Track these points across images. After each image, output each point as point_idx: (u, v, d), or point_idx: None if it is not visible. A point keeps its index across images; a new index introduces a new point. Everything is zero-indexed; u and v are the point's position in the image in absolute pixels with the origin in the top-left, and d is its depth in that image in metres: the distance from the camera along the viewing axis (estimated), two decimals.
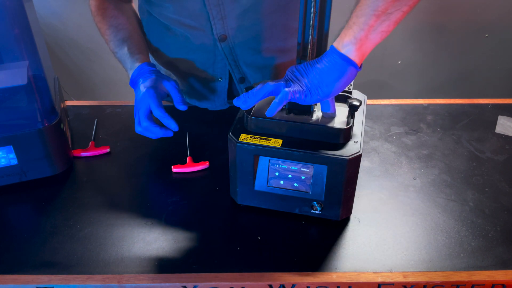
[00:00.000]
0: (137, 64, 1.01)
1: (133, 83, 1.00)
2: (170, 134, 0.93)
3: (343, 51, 0.74)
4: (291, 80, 0.78)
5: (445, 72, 2.19)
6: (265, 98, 0.87)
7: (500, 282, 0.74)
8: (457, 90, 2.23)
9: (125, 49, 1.04)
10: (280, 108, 0.76)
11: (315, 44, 0.80)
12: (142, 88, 0.95)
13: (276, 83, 0.78)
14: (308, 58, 0.81)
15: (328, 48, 0.77)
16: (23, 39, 0.86)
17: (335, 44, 0.76)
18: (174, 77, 1.19)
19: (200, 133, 1.08)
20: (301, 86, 0.77)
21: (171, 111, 0.94)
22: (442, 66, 2.17)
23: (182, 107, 0.94)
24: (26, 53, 0.87)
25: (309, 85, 0.76)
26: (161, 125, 0.92)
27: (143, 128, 0.92)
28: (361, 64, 0.76)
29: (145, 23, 1.14)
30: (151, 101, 0.92)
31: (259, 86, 0.79)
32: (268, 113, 0.76)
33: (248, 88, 0.86)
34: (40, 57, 0.89)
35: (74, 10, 2.00)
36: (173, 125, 0.91)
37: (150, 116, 0.93)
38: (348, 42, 0.74)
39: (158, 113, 0.91)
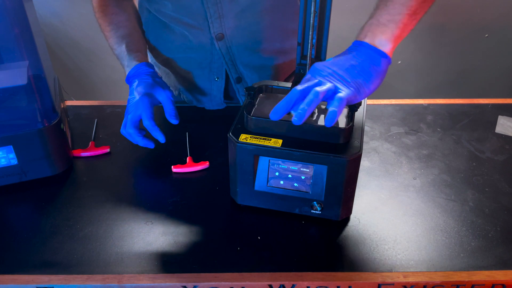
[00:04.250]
0: (135, 63, 1.01)
1: (128, 81, 1.01)
2: (152, 146, 0.95)
3: (382, 48, 0.76)
4: (334, 83, 0.74)
5: (445, 72, 2.19)
6: (268, 98, 0.88)
7: (500, 282, 0.74)
8: (457, 90, 2.23)
9: (124, 46, 1.04)
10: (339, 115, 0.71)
11: (315, 44, 0.79)
12: (136, 94, 0.96)
13: (323, 89, 0.71)
14: (308, 58, 0.81)
15: (326, 50, 0.77)
16: (23, 39, 0.86)
17: (369, 41, 0.76)
18: (172, 75, 1.20)
19: (200, 133, 1.08)
20: (349, 88, 0.74)
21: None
22: (442, 66, 2.17)
23: (173, 121, 0.95)
24: (26, 53, 0.87)
25: (356, 85, 0.75)
26: (147, 134, 0.94)
27: (127, 133, 0.94)
28: None
29: (144, 20, 1.14)
30: (143, 110, 0.93)
31: (291, 95, 0.71)
32: (328, 123, 0.69)
33: (248, 89, 0.86)
34: (40, 57, 0.89)
35: (74, 10, 2.00)
36: (160, 138, 0.93)
37: (138, 124, 0.95)
38: (386, 40, 0.76)
39: (148, 124, 0.93)
